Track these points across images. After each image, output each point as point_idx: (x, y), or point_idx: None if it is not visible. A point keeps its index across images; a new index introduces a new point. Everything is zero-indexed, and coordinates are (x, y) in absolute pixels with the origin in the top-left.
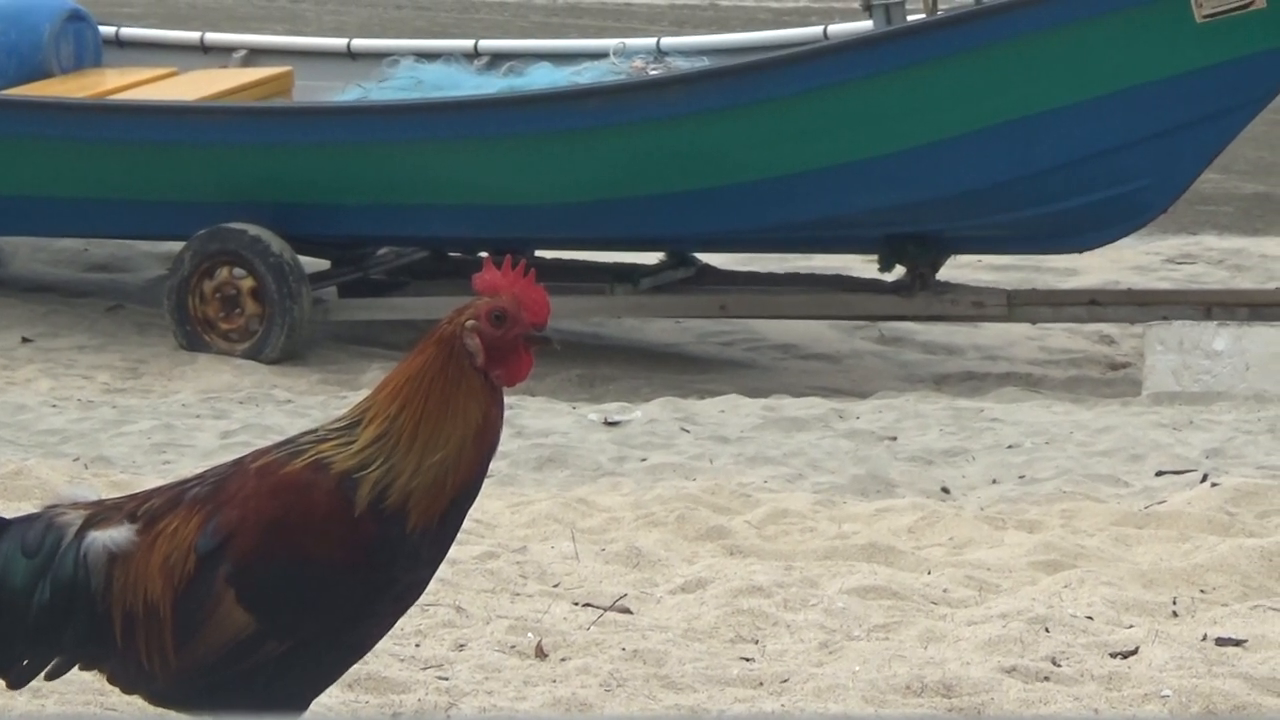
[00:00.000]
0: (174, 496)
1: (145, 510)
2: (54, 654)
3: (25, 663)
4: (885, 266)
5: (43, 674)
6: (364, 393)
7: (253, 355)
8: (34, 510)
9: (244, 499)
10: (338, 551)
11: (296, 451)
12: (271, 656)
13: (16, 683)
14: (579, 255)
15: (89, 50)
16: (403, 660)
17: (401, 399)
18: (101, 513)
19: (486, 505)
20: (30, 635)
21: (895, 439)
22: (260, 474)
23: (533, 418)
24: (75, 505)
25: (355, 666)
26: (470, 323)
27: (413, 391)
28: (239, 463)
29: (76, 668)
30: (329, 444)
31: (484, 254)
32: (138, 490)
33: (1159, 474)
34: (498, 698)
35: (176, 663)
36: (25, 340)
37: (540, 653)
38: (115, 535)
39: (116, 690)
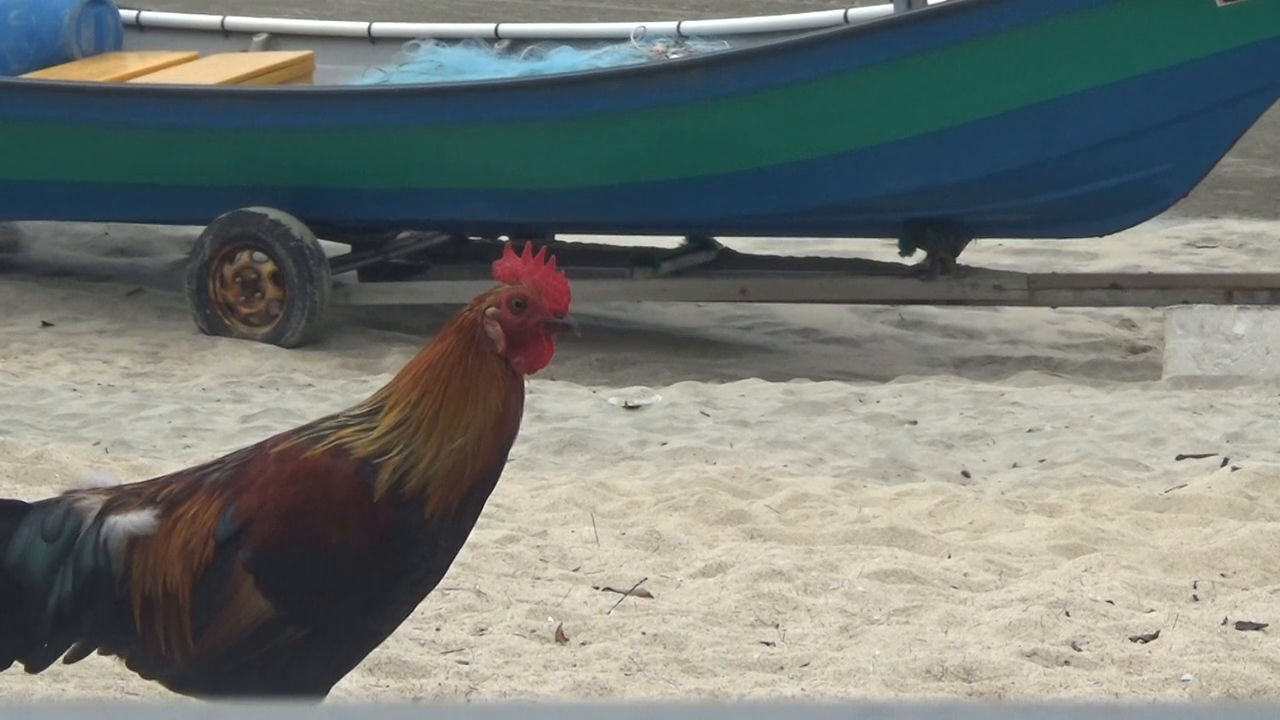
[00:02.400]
0: (194, 481)
1: (165, 495)
2: (73, 639)
3: (45, 647)
4: (906, 250)
5: (61, 658)
6: (385, 377)
7: (273, 339)
8: (54, 495)
9: (263, 484)
10: (356, 537)
11: (317, 437)
12: (290, 642)
13: (36, 667)
14: (599, 239)
15: (109, 34)
16: (423, 644)
17: (422, 385)
18: (121, 497)
19: (507, 489)
20: (50, 620)
21: (915, 423)
22: (280, 459)
23: (553, 401)
24: (95, 490)
25: (375, 651)
26: (491, 310)
27: (433, 378)
28: (259, 447)
29: (96, 652)
30: (349, 430)
31: (505, 239)
32: (158, 475)
33: (1179, 458)
34: (518, 682)
35: (195, 648)
36: (45, 324)
37: (560, 637)
38: (135, 519)
39: (136, 675)
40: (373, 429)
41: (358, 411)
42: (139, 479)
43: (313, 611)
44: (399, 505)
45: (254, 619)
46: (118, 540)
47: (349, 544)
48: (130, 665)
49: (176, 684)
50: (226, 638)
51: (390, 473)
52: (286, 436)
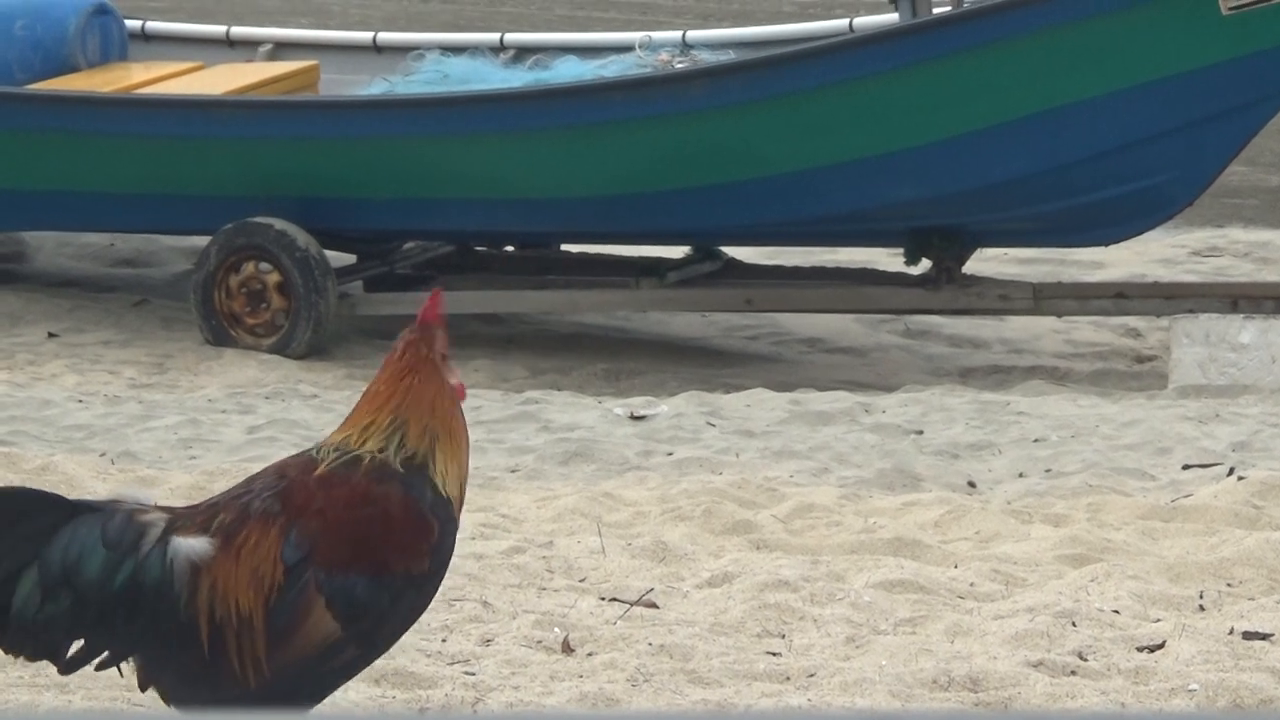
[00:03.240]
0: (241, 510)
1: (218, 524)
2: (111, 646)
3: (82, 648)
4: (911, 260)
5: (93, 664)
6: None
7: (279, 350)
8: (101, 501)
9: (319, 510)
10: (415, 561)
11: (353, 459)
12: (347, 659)
13: (67, 669)
14: (605, 249)
15: (114, 44)
16: (429, 655)
17: (419, 403)
18: (179, 519)
19: (513, 500)
20: (94, 623)
21: (921, 433)
22: (326, 485)
23: (559, 412)
24: (146, 507)
25: (382, 661)
26: (444, 353)
27: (424, 399)
28: (282, 471)
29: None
30: (369, 447)
31: (510, 248)
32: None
33: (1185, 467)
34: (524, 692)
35: (268, 669)
36: (51, 335)
37: (567, 647)
38: (196, 546)
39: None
40: (392, 444)
41: (364, 430)
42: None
43: (372, 632)
44: (440, 516)
45: (323, 640)
46: (182, 564)
47: (409, 569)
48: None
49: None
50: (296, 659)
51: (433, 487)
52: (311, 460)
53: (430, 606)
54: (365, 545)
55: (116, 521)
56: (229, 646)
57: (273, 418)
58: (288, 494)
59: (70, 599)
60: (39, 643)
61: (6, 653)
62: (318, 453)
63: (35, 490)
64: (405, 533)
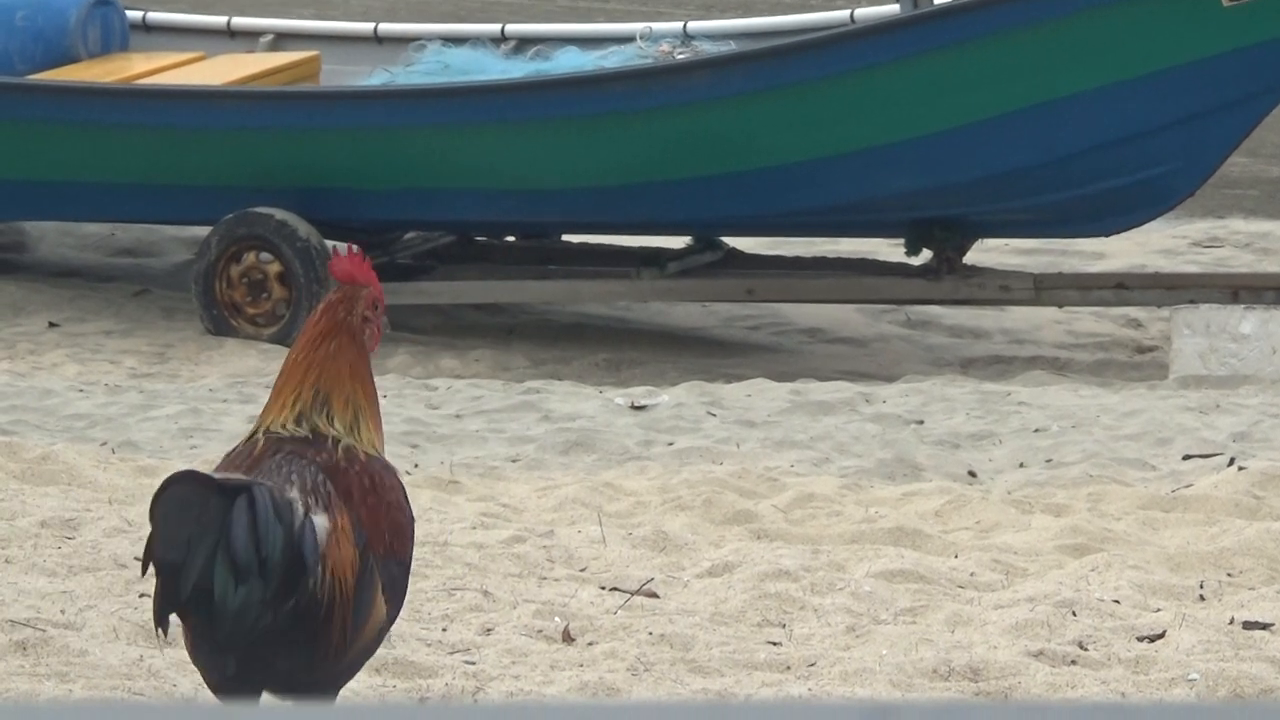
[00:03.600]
0: (322, 493)
1: (321, 501)
2: (264, 623)
3: (248, 627)
4: (912, 250)
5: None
6: (391, 377)
7: (280, 340)
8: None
9: (362, 498)
10: (411, 548)
11: (346, 445)
12: (375, 648)
13: (231, 645)
14: (606, 239)
15: (115, 35)
16: (430, 645)
17: (350, 391)
18: (305, 496)
19: (513, 489)
20: (272, 602)
21: (922, 423)
22: (362, 472)
23: (559, 402)
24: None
25: (383, 651)
26: (368, 314)
27: (355, 381)
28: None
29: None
30: (335, 430)
31: (510, 238)
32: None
33: (1186, 457)
34: (525, 682)
35: (349, 652)
36: (52, 325)
37: (567, 637)
38: (323, 524)
39: (142, 675)
40: (341, 426)
41: (292, 406)
42: (147, 480)
43: (394, 618)
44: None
45: (379, 623)
46: (322, 540)
47: (409, 558)
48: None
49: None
50: (363, 643)
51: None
52: (293, 449)
53: (430, 596)
54: (398, 534)
55: (276, 498)
56: (334, 624)
57: None
58: (333, 475)
59: (260, 580)
60: (245, 630)
61: (217, 654)
62: (264, 434)
63: (190, 472)
64: (408, 522)
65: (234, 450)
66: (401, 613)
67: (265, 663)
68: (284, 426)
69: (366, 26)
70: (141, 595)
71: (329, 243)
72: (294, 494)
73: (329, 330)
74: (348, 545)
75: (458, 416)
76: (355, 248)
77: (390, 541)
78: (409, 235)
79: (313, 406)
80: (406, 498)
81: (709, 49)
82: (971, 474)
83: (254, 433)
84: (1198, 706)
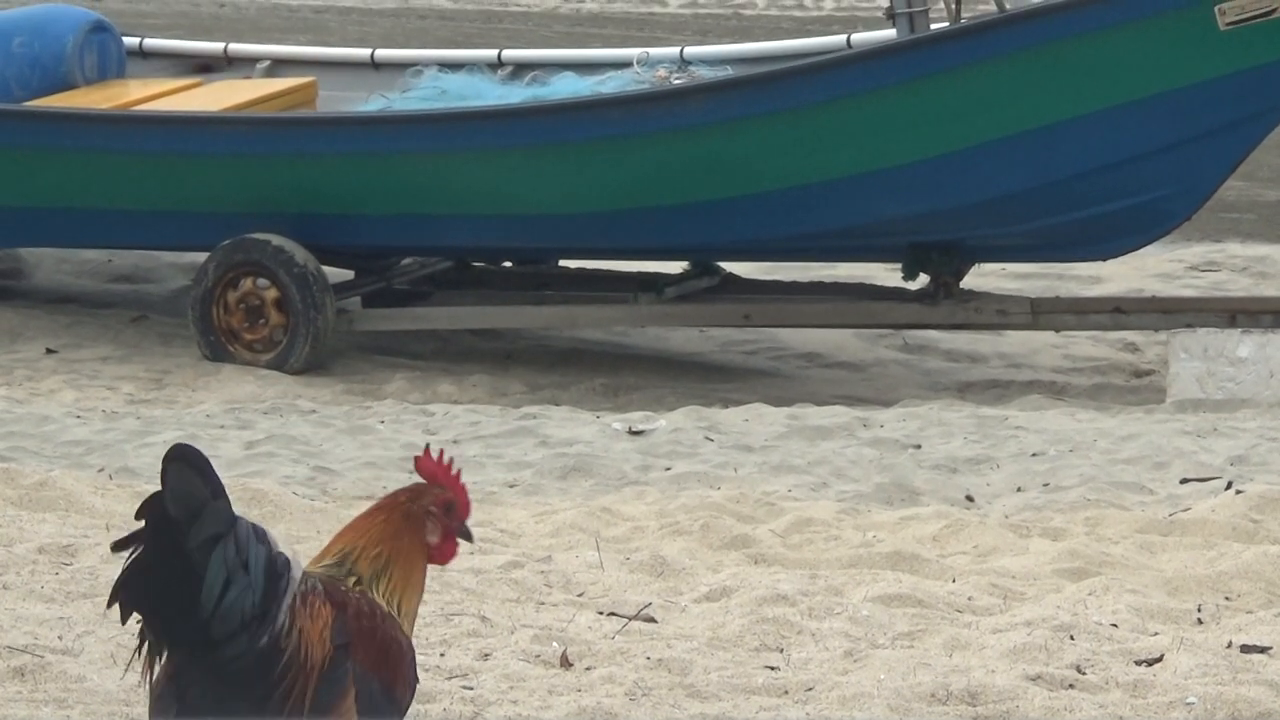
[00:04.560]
0: (303, 578)
1: (300, 577)
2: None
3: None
4: (909, 275)
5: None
6: (389, 403)
7: (277, 365)
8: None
9: (355, 614)
10: (408, 692)
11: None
12: None
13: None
14: (603, 264)
15: (113, 61)
16: (427, 670)
17: (386, 554)
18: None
19: (511, 515)
20: (253, 617)
21: (919, 447)
22: (364, 599)
23: (557, 427)
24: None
25: None
26: (433, 508)
27: (392, 551)
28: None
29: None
30: (356, 579)
31: (508, 263)
32: None
33: (1183, 481)
34: (523, 707)
35: None
36: (49, 351)
37: (565, 662)
38: (297, 571)
39: (140, 702)
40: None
41: (340, 562)
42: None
43: None
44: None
45: None
46: (292, 582)
47: (404, 697)
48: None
49: None
50: None
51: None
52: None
53: (428, 621)
54: (386, 657)
55: (255, 526)
56: (290, 692)
57: (271, 433)
58: (330, 587)
59: (248, 587)
60: (238, 631)
61: (213, 650)
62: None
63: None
64: (407, 666)
65: None
66: None
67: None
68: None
69: (363, 52)
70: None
71: (325, 268)
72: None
73: (386, 508)
74: (319, 622)
75: (455, 442)
76: (444, 452)
77: (376, 659)
78: (406, 261)
79: (338, 564)
80: (411, 649)
81: (705, 74)
82: (969, 498)
83: None
84: None
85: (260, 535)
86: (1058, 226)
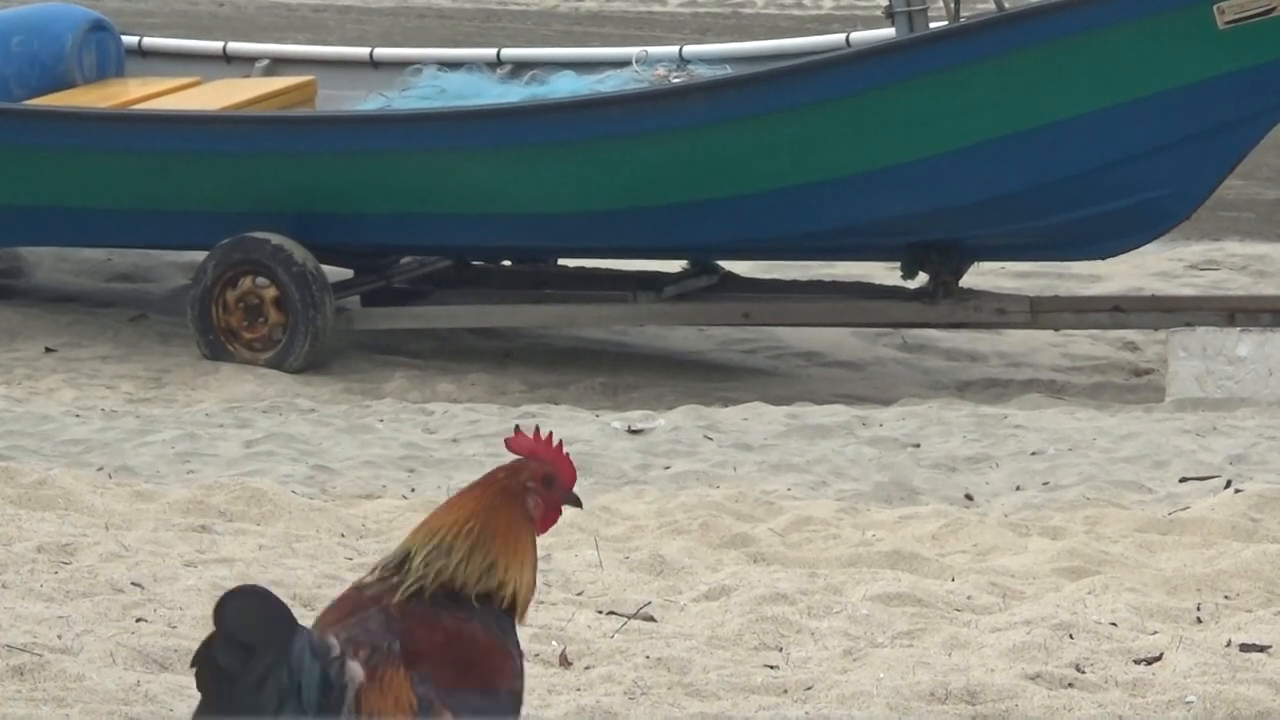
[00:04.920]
0: (372, 647)
1: (363, 656)
2: None
3: None
4: (908, 274)
5: None
6: (388, 402)
7: (276, 364)
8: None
9: (427, 653)
10: (511, 679)
11: (420, 588)
12: None
13: None
14: (602, 263)
15: (112, 60)
16: None
17: (479, 528)
18: (344, 640)
19: None
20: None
21: (919, 446)
22: (425, 627)
23: (556, 426)
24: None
25: None
26: (531, 483)
27: (488, 525)
28: (382, 610)
29: None
30: (433, 570)
31: (507, 262)
32: (170, 499)
33: (1183, 480)
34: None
35: None
36: (49, 350)
37: (564, 661)
38: (357, 670)
39: (140, 700)
40: (453, 563)
41: (425, 548)
42: (144, 505)
43: None
44: (516, 653)
45: None
46: (354, 684)
47: (512, 687)
48: None
49: None
50: None
51: (498, 617)
52: (389, 586)
53: None
54: (470, 663)
55: (315, 637)
56: None
57: (270, 432)
58: (404, 640)
59: (298, 709)
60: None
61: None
62: (390, 576)
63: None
64: (498, 656)
65: (339, 598)
66: None
67: None
68: (385, 570)
69: (362, 51)
70: (139, 620)
71: (324, 267)
72: (331, 640)
73: (483, 485)
74: (392, 693)
75: (454, 441)
76: (541, 428)
77: (460, 673)
78: (405, 260)
79: (433, 551)
80: (498, 633)
81: (705, 73)
82: (968, 497)
83: (364, 580)
84: None
85: (317, 649)
86: (1057, 225)
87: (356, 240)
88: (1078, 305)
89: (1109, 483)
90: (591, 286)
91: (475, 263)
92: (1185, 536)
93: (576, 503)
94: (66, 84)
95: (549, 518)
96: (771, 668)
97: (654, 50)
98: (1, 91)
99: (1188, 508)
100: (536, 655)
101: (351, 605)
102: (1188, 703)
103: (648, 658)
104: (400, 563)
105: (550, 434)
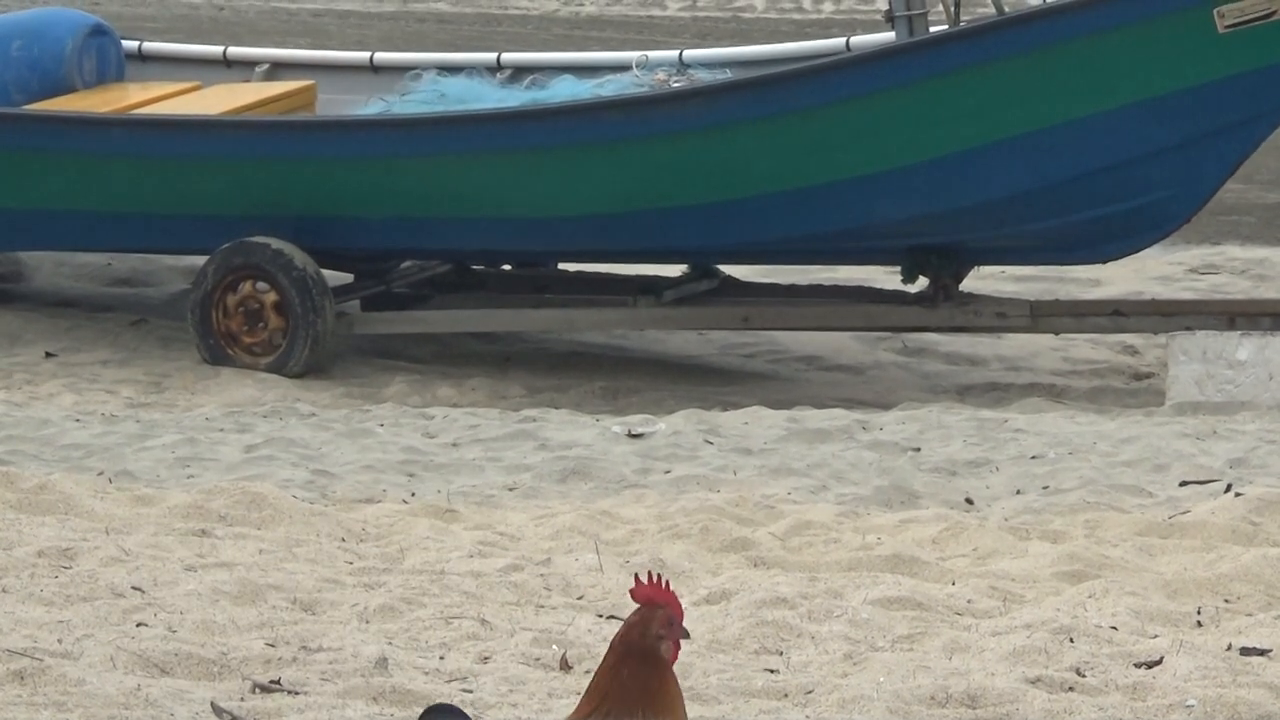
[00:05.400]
0: None
1: None
2: None
3: None
4: (908, 278)
5: None
6: (388, 406)
7: (276, 369)
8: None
9: None
10: None
11: None
12: None
13: None
14: (602, 268)
15: (112, 65)
16: (427, 673)
17: (637, 705)
18: None
19: (510, 518)
20: None
21: (919, 450)
22: None
23: (556, 430)
24: None
25: (380, 679)
26: (660, 632)
27: (644, 695)
28: None
29: None
30: None
31: (510, 267)
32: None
33: (1183, 484)
34: (522, 710)
35: None
36: (49, 355)
37: (564, 665)
38: None
39: (140, 705)
40: None
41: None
42: (144, 510)
43: None
44: None
45: None
46: None
47: None
48: None
49: None
50: None
51: None
52: None
53: (428, 624)
54: None
55: None
56: None
57: (270, 436)
58: None
59: None
60: None
61: None
62: None
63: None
64: None
65: None
66: (398, 641)
67: None
68: None
69: (362, 56)
70: (139, 624)
71: (325, 272)
72: None
73: (624, 654)
74: None
75: (455, 445)
76: (658, 575)
77: None
78: (405, 264)
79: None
80: None
81: (705, 77)
82: (968, 501)
83: None
84: None
85: None
86: (1057, 229)
87: (356, 245)
88: (1078, 309)
89: (1109, 486)
90: (591, 291)
91: (475, 267)
92: (1185, 540)
93: (686, 635)
94: (66, 89)
95: (676, 655)
96: (772, 671)
97: (654, 55)
98: (1, 96)
99: (1188, 511)
100: (537, 659)
101: None
102: (1188, 706)
103: None
104: None
105: (660, 576)
